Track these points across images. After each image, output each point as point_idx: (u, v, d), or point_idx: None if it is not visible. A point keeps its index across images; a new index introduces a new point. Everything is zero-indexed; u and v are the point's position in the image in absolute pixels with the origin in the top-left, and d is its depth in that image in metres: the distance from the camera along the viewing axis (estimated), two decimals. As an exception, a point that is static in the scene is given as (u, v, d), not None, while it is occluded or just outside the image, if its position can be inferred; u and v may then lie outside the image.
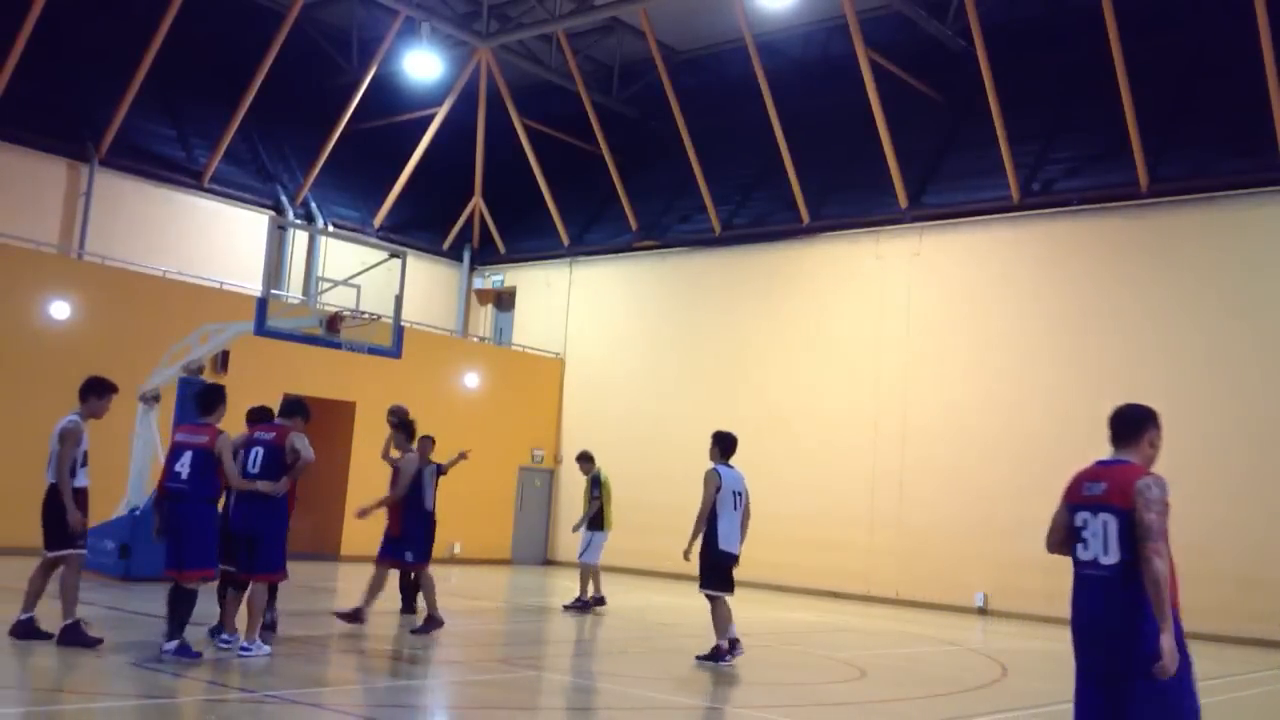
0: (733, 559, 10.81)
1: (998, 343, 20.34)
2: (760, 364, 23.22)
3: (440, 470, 13.03)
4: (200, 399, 9.39)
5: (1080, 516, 4.99)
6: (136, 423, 15.24)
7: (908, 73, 22.09)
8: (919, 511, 20.53)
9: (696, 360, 24.14)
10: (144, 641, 9.74)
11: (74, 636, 8.97)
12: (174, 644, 8.70)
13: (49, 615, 9.12)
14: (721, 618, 10.71)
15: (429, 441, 12.74)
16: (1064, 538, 5.11)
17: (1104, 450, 5.11)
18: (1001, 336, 20.33)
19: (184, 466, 8.88)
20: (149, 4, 21.44)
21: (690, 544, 10.83)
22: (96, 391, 9.29)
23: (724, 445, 11.06)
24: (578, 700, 8.99)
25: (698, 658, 10.72)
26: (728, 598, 10.77)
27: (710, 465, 10.93)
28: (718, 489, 10.70)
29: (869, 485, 21.27)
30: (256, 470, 9.27)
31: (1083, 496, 5.01)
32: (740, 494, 10.91)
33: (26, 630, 9.08)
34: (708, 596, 10.82)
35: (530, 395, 25.83)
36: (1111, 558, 4.85)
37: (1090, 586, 4.95)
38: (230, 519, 9.40)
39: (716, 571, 10.76)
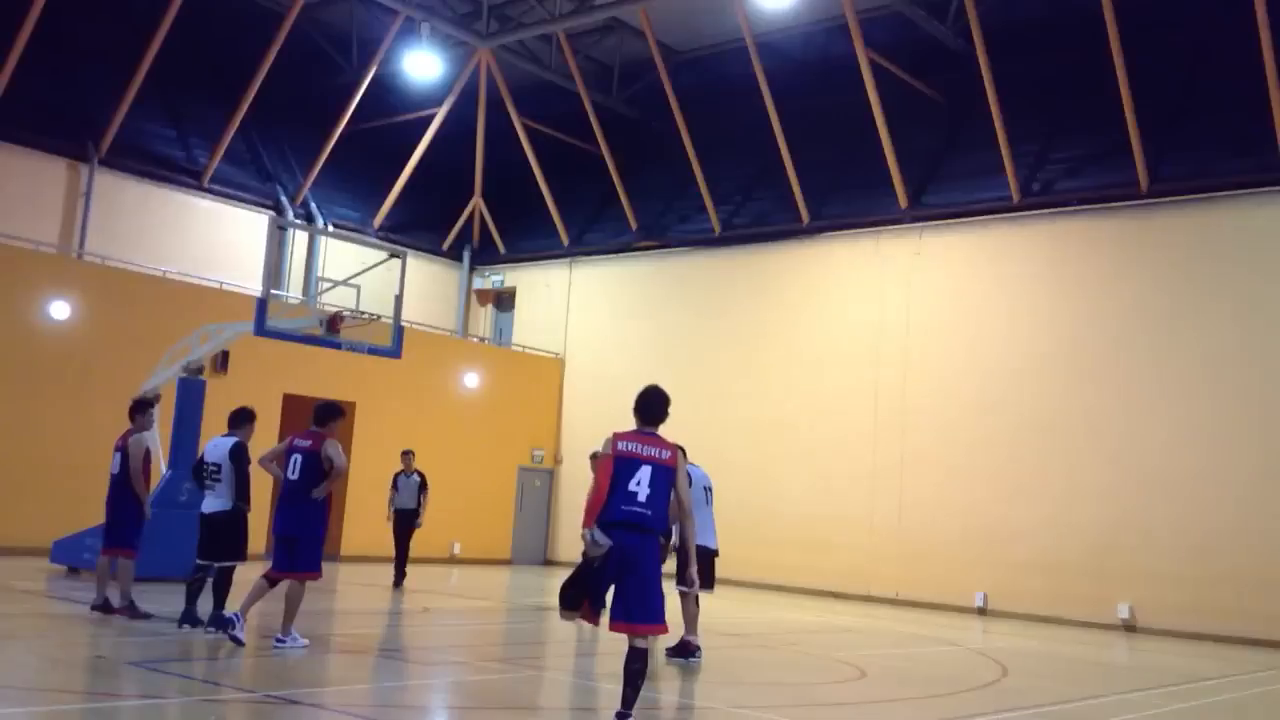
0: (709, 553, 10.85)
1: (997, 342, 20.34)
2: (760, 364, 23.22)
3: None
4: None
5: None
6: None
7: (908, 73, 22.08)
8: (919, 511, 20.51)
9: (696, 360, 24.10)
10: (145, 641, 9.73)
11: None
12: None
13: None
14: (691, 614, 10.70)
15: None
16: None
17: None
18: (1001, 336, 20.33)
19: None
20: (149, 4, 21.43)
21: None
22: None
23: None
24: (577, 700, 8.99)
25: (667, 650, 10.79)
26: (701, 594, 10.76)
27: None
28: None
29: (869, 485, 21.26)
30: (296, 476, 9.75)
31: None
32: (710, 489, 11.10)
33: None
34: (681, 592, 10.83)
35: (530, 395, 25.83)
36: None
37: None
38: (274, 521, 9.96)
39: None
